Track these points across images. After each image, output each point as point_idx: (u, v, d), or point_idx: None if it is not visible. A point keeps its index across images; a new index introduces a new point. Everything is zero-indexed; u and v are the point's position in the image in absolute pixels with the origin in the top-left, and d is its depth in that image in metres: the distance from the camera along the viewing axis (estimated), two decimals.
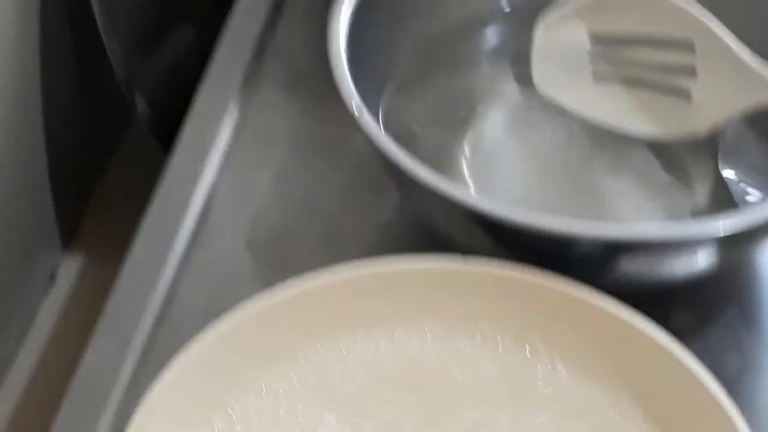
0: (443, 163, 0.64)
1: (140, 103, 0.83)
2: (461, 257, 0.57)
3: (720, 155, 0.64)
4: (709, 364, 0.54)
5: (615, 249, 0.56)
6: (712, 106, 0.62)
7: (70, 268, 0.72)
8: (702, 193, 0.64)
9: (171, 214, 0.67)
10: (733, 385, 0.54)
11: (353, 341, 0.57)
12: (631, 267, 0.57)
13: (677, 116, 0.63)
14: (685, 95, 0.63)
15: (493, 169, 0.65)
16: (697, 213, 0.63)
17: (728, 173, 0.64)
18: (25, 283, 0.69)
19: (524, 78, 0.67)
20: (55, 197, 0.73)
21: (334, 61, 0.60)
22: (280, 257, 0.66)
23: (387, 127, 0.62)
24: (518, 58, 0.67)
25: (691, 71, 0.62)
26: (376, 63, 0.64)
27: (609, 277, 0.57)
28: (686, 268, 0.58)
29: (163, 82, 0.83)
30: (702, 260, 0.57)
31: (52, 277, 0.70)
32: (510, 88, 0.68)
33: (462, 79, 0.69)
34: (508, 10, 0.70)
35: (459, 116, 0.67)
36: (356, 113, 0.58)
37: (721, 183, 0.64)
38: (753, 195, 0.63)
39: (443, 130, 0.66)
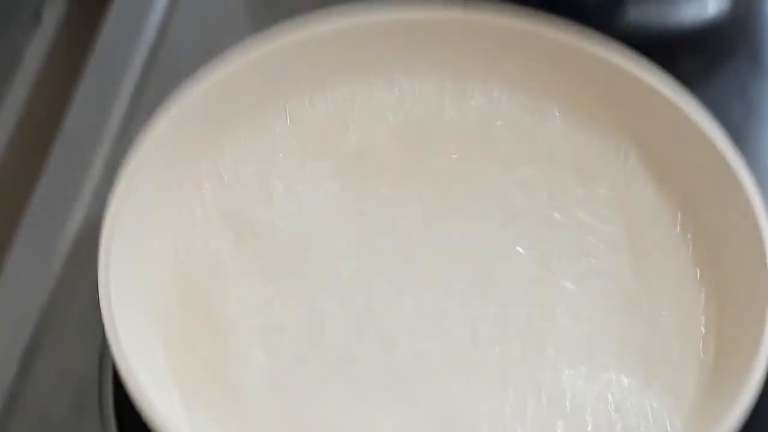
0: None
1: None
2: (462, 2, 0.55)
3: None
4: (714, 113, 0.53)
5: None
6: None
7: (55, 7, 0.69)
8: None
9: None
10: (738, 134, 0.53)
11: (343, 90, 0.56)
12: (638, 12, 0.55)
13: None
14: None
15: None
16: None
17: None
18: (8, 22, 0.67)
19: None
20: None
21: None
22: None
23: None
24: None
25: None
26: None
27: (615, 24, 0.55)
28: (695, 12, 0.56)
29: None
30: (712, 5, 0.55)
31: (37, 17, 0.68)
32: None
33: None
34: None
35: None
36: None
37: None
38: None
39: None
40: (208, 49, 0.56)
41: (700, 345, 0.50)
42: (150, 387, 0.45)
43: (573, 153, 0.54)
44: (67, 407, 0.53)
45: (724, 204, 0.51)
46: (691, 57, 0.59)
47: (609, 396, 0.48)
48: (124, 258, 0.49)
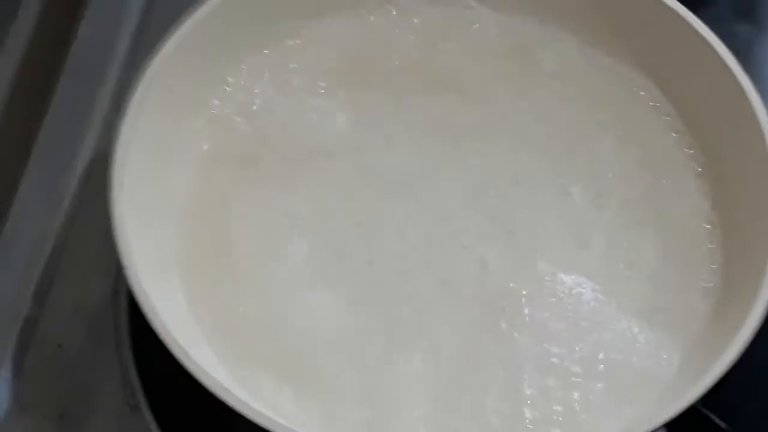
0: None
1: None
2: None
3: None
4: (719, 34, 0.52)
5: None
6: None
7: None
8: None
9: None
10: (745, 54, 0.52)
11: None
12: None
13: None
14: None
15: None
16: None
17: None
18: None
19: None
20: None
21: None
22: None
23: None
24: None
25: None
26: None
27: None
28: None
29: None
30: None
31: None
32: None
33: None
34: None
35: None
36: None
37: None
38: None
39: None
40: None
41: (704, 278, 0.50)
42: (165, 311, 0.45)
43: (577, 77, 0.54)
44: (83, 336, 0.54)
45: (736, 134, 0.51)
46: None
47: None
48: (135, 185, 0.49)
